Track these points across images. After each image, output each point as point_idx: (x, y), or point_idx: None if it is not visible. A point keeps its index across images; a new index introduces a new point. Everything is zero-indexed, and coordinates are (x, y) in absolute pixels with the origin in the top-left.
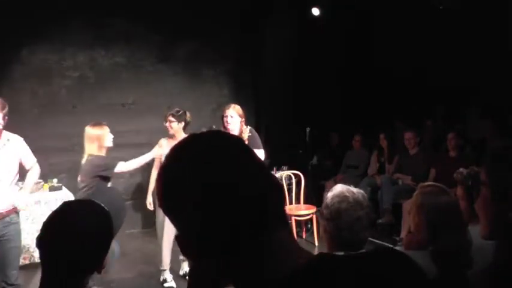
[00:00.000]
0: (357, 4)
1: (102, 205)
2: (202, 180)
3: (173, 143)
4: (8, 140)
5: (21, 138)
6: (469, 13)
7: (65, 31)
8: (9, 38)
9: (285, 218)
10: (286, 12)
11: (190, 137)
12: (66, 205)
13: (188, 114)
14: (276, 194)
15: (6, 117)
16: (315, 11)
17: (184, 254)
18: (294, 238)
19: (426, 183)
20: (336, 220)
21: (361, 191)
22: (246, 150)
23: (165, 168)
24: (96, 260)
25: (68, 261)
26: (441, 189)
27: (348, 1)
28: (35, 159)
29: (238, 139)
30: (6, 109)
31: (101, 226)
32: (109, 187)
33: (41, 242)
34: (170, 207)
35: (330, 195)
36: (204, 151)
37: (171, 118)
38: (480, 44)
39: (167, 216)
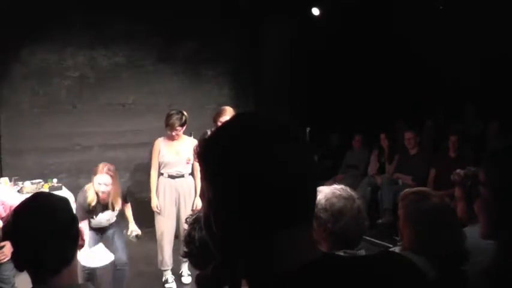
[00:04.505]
0: (357, 4)
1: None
2: (224, 169)
3: (172, 143)
4: None
5: None
6: (469, 13)
7: (65, 31)
8: (9, 38)
9: (307, 213)
10: (286, 12)
11: (232, 119)
12: (18, 212)
13: (185, 114)
14: (301, 190)
15: None
16: (315, 11)
17: (214, 248)
18: (311, 236)
19: (406, 191)
20: (340, 219)
21: (343, 186)
22: (284, 141)
23: (205, 139)
24: (73, 239)
25: (47, 258)
26: (422, 194)
27: (348, 1)
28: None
29: (281, 128)
30: None
31: (58, 212)
32: None
33: (16, 255)
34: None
35: (321, 197)
36: (238, 138)
37: (178, 128)
38: (481, 43)
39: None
